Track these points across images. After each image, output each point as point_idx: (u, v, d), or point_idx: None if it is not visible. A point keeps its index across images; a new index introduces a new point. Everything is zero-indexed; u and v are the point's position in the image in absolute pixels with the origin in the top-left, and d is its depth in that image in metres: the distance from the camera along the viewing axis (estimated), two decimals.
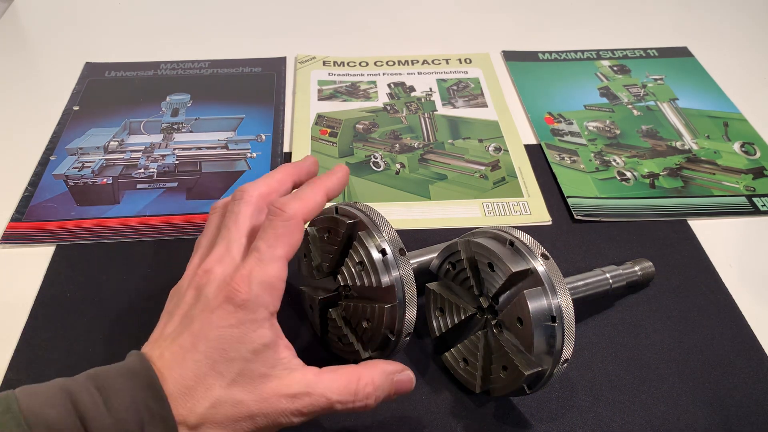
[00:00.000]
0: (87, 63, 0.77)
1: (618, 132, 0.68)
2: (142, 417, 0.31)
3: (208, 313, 0.34)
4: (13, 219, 0.56)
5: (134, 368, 0.33)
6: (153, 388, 0.32)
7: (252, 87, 0.74)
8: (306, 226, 0.44)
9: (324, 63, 0.78)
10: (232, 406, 0.33)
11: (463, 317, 0.43)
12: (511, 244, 0.40)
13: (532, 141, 0.67)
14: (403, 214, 0.58)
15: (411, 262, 0.41)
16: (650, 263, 0.52)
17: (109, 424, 0.30)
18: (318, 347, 0.47)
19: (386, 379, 0.37)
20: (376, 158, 0.64)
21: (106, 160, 0.63)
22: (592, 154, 0.65)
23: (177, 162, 0.63)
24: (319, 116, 0.70)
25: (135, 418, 0.31)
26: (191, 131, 0.67)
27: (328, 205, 0.44)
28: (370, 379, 0.36)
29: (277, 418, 0.34)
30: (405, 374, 0.38)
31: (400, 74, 0.77)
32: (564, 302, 0.38)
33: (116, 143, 0.65)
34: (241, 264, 0.35)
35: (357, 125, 0.69)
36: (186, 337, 0.34)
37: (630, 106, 0.72)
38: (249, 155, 0.64)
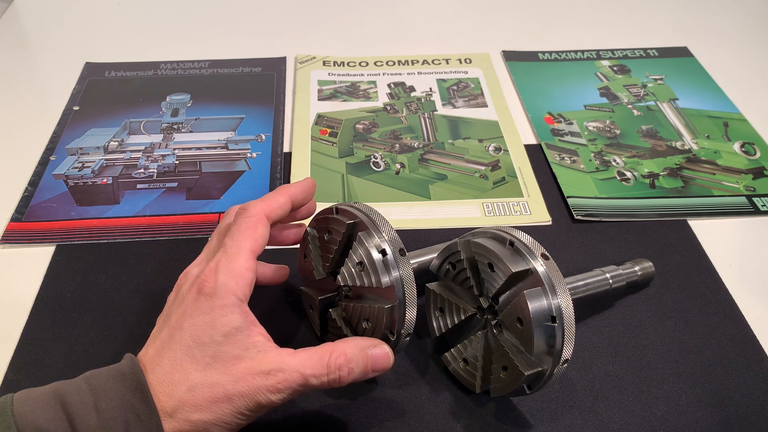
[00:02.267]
0: (87, 63, 0.77)
1: (618, 132, 0.68)
2: (128, 418, 0.33)
3: (183, 306, 0.37)
4: (13, 219, 0.56)
5: (124, 370, 0.35)
6: (140, 390, 0.34)
7: (252, 87, 0.74)
8: (307, 227, 0.45)
9: (324, 63, 0.78)
10: (209, 388, 0.34)
11: (463, 317, 0.43)
12: (511, 244, 0.40)
13: (532, 141, 0.67)
14: (403, 214, 0.58)
15: (411, 262, 0.41)
16: (650, 263, 0.52)
17: (95, 425, 0.32)
18: None
19: (360, 353, 0.37)
20: (376, 158, 0.64)
21: (106, 160, 0.63)
22: (592, 154, 0.65)
23: (177, 162, 0.63)
24: (319, 116, 0.69)
25: (121, 419, 0.33)
26: (191, 131, 0.67)
27: (328, 205, 0.44)
28: (341, 351, 0.37)
29: (255, 397, 0.35)
30: (380, 349, 0.38)
31: (400, 74, 0.77)
32: (564, 302, 0.38)
33: (116, 143, 0.65)
34: (211, 260, 0.38)
35: (357, 125, 0.69)
36: (165, 331, 0.37)
37: (630, 106, 0.72)
38: (249, 155, 0.64)
